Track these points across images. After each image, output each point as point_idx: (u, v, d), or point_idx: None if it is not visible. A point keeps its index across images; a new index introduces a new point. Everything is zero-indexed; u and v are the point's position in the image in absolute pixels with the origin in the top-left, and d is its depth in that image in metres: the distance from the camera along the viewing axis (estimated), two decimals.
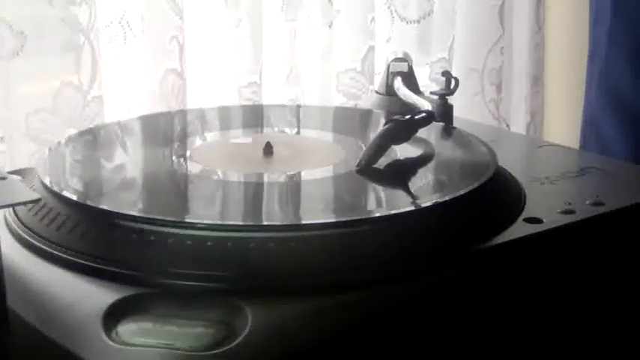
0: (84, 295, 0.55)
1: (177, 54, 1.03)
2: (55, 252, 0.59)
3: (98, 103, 0.98)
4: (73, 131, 0.89)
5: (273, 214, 0.65)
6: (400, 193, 0.70)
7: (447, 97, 0.83)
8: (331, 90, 1.18)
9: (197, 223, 0.59)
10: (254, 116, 0.91)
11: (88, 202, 0.62)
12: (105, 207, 0.61)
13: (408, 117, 0.74)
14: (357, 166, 0.69)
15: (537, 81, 1.40)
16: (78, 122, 0.95)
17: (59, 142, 0.75)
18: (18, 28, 0.91)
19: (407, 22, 1.24)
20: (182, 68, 1.03)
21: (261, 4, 1.09)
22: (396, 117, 0.73)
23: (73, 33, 0.95)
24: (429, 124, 0.76)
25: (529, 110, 1.40)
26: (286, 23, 1.13)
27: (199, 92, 1.08)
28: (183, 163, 0.73)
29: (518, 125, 1.40)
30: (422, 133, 0.75)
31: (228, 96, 1.08)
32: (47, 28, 0.94)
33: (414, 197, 0.68)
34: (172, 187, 0.69)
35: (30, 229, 0.62)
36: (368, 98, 0.96)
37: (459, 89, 0.83)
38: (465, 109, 1.21)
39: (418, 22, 1.25)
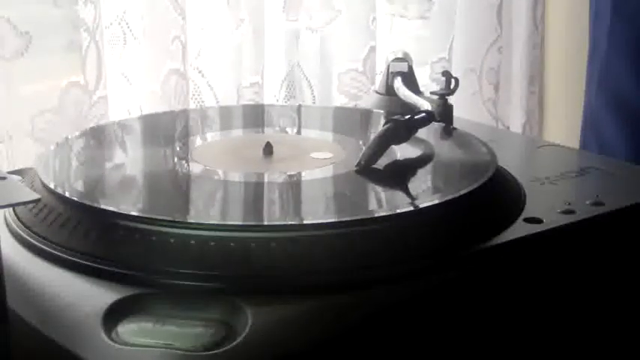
0: (84, 295, 0.55)
1: (179, 54, 1.03)
2: (55, 252, 0.59)
3: (104, 103, 0.98)
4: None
5: (272, 214, 0.65)
6: (400, 194, 0.70)
7: (447, 97, 0.83)
8: (333, 91, 1.18)
9: (197, 223, 0.59)
10: (254, 116, 0.91)
11: (88, 202, 0.62)
12: (105, 207, 0.61)
13: (408, 117, 0.74)
14: (357, 166, 0.69)
15: (534, 80, 1.41)
16: (84, 122, 0.95)
17: (59, 142, 0.75)
18: (23, 28, 0.91)
19: (408, 20, 1.25)
20: (185, 68, 1.03)
21: (263, 4, 1.09)
22: (396, 117, 0.73)
23: (78, 33, 0.95)
24: (429, 124, 0.76)
25: (525, 110, 1.40)
26: (288, 23, 1.13)
27: (201, 93, 1.08)
28: (184, 163, 0.73)
29: (515, 125, 1.40)
30: (422, 133, 0.75)
31: (229, 96, 1.08)
32: (52, 28, 0.94)
33: (413, 197, 0.68)
34: (172, 186, 0.70)
35: (30, 229, 0.62)
36: (368, 98, 0.96)
37: (457, 89, 0.83)
38: (463, 108, 1.21)
39: (420, 19, 1.25)
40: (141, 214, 0.60)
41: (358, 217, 0.61)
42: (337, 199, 0.68)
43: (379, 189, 0.71)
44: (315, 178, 0.70)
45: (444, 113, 0.82)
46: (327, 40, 1.16)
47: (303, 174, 0.70)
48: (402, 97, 0.86)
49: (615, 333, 0.70)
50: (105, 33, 0.99)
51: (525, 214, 0.66)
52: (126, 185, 0.70)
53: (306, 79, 1.16)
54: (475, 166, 0.71)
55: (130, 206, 0.62)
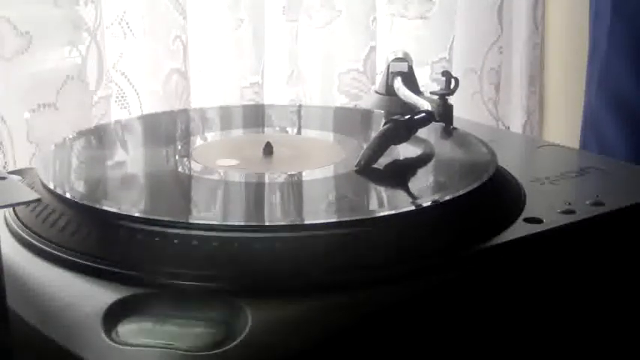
0: (84, 295, 0.55)
1: (180, 54, 1.03)
2: (55, 252, 0.59)
3: (105, 103, 0.98)
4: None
5: (272, 214, 0.65)
6: (400, 193, 0.70)
7: (447, 97, 0.83)
8: (333, 91, 1.18)
9: (197, 223, 0.59)
10: (255, 116, 0.91)
11: (88, 202, 0.62)
12: (105, 207, 0.61)
13: (407, 117, 0.74)
14: (357, 166, 0.69)
15: (534, 80, 1.41)
16: (84, 123, 0.95)
17: (59, 142, 0.75)
18: (23, 28, 0.91)
19: (408, 20, 1.25)
20: (186, 68, 1.04)
21: (264, 4, 1.09)
22: (395, 117, 0.73)
23: (79, 33, 0.95)
24: (428, 124, 0.76)
25: (526, 110, 1.40)
26: (288, 24, 1.13)
27: (202, 93, 1.08)
28: (184, 163, 0.73)
29: (515, 125, 1.40)
30: (422, 133, 0.75)
31: (230, 96, 1.08)
32: (52, 28, 0.94)
33: (413, 197, 0.68)
34: (172, 187, 0.70)
35: (30, 229, 0.62)
36: (368, 98, 0.96)
37: (457, 89, 0.83)
38: (463, 108, 1.21)
39: (420, 19, 1.25)
40: (141, 215, 0.60)
41: (358, 217, 0.61)
42: (337, 199, 0.68)
43: (379, 189, 0.71)
44: (315, 178, 0.70)
45: (444, 113, 0.82)
46: (327, 40, 1.16)
47: (303, 174, 0.70)
48: (402, 97, 0.86)
49: (615, 333, 0.70)
50: (105, 33, 0.99)
51: (525, 214, 0.66)
52: (126, 185, 0.70)
53: (307, 79, 1.16)
54: (475, 165, 0.71)
55: (130, 206, 0.62)
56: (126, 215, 0.60)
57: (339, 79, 1.18)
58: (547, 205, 0.67)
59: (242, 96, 1.09)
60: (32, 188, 0.62)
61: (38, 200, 0.57)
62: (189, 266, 0.56)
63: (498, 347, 0.62)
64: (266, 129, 0.87)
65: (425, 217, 0.62)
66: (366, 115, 0.89)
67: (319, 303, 0.54)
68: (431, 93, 0.85)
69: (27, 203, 0.58)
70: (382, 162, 0.70)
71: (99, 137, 0.80)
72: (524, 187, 0.71)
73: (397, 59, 0.89)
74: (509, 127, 1.38)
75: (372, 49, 1.18)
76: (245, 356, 0.50)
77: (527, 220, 0.65)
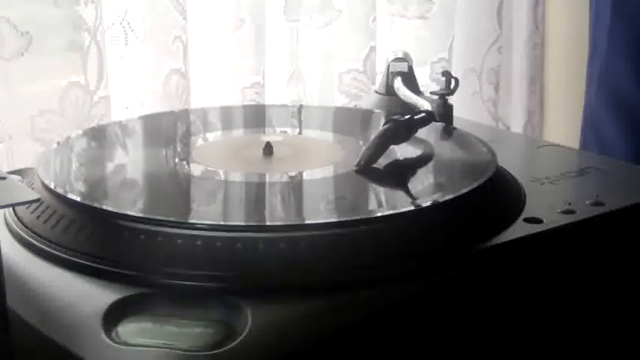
0: (84, 295, 0.55)
1: (180, 54, 1.03)
2: (55, 252, 0.59)
3: (105, 103, 0.98)
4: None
5: (273, 214, 0.65)
6: (400, 193, 0.70)
7: (447, 97, 0.83)
8: (333, 91, 1.18)
9: (197, 223, 0.59)
10: (255, 116, 0.91)
11: (88, 202, 0.62)
12: (105, 207, 0.61)
13: (407, 117, 0.74)
14: (357, 166, 0.69)
15: (535, 80, 1.41)
16: (85, 123, 0.95)
17: (59, 142, 0.75)
18: (23, 28, 0.91)
19: (407, 20, 1.25)
20: (186, 68, 1.04)
21: (264, 4, 1.09)
22: (395, 117, 0.73)
23: (79, 33, 0.95)
24: (428, 124, 0.76)
25: (526, 110, 1.40)
26: (288, 24, 1.13)
27: (203, 93, 1.08)
28: (184, 164, 0.73)
29: (516, 125, 1.40)
30: (422, 133, 0.75)
31: (231, 96, 1.09)
32: (53, 29, 0.94)
33: (413, 197, 0.68)
34: (172, 187, 0.70)
35: (30, 229, 0.62)
36: (368, 98, 0.96)
37: (457, 89, 0.83)
38: (463, 108, 1.21)
39: (420, 19, 1.26)
40: (141, 215, 0.60)
41: (358, 217, 0.61)
42: (337, 199, 0.68)
43: (379, 189, 0.71)
44: (315, 178, 0.70)
45: (444, 113, 0.82)
46: (327, 40, 1.16)
47: (303, 174, 0.70)
48: (402, 97, 0.86)
49: (615, 333, 0.70)
50: (106, 33, 0.99)
51: (525, 214, 0.66)
52: (126, 185, 0.70)
53: (307, 79, 1.16)
54: (475, 165, 0.71)
55: (130, 206, 0.62)
56: (126, 215, 0.60)
57: (339, 79, 1.18)
58: (547, 205, 0.67)
59: (243, 96, 1.09)
60: (32, 188, 0.62)
61: (38, 200, 0.57)
62: (189, 266, 0.56)
63: (498, 347, 0.62)
64: (267, 129, 0.87)
65: (425, 217, 0.62)
66: (366, 115, 0.89)
67: (319, 303, 0.54)
68: (431, 93, 0.85)
69: (27, 203, 0.58)
70: (382, 162, 0.70)
71: (99, 137, 0.80)
72: (524, 187, 0.71)
73: (397, 59, 0.89)
74: (509, 128, 1.38)
75: (372, 49, 1.18)
76: (245, 356, 0.50)
77: (527, 220, 0.65)
